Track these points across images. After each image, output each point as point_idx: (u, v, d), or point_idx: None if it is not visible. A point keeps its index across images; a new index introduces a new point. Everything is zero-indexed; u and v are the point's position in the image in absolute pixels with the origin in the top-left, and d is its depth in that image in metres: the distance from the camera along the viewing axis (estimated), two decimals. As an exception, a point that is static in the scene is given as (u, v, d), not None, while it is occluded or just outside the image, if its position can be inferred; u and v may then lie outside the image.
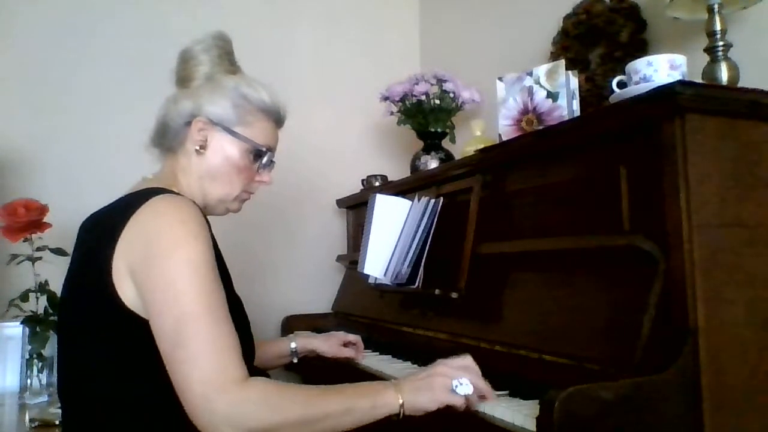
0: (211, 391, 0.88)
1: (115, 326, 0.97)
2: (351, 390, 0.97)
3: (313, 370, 1.84)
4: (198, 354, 0.89)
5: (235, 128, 1.13)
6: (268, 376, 1.13)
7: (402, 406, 0.95)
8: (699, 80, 1.25)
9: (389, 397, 0.96)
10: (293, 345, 1.50)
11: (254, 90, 1.15)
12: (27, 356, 1.72)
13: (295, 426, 0.91)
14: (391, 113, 2.10)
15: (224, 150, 1.13)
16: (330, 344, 1.52)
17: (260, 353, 1.33)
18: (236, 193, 1.17)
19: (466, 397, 0.99)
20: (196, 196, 1.13)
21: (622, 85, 1.28)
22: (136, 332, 0.95)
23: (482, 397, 1.02)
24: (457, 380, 0.98)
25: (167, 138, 1.15)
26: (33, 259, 1.73)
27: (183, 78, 1.17)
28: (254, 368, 1.10)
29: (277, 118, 1.20)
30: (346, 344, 1.55)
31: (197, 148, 1.12)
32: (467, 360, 1.04)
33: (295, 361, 1.52)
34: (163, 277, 0.93)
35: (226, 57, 1.18)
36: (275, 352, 1.49)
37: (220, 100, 1.13)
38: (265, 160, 1.18)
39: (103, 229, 1.02)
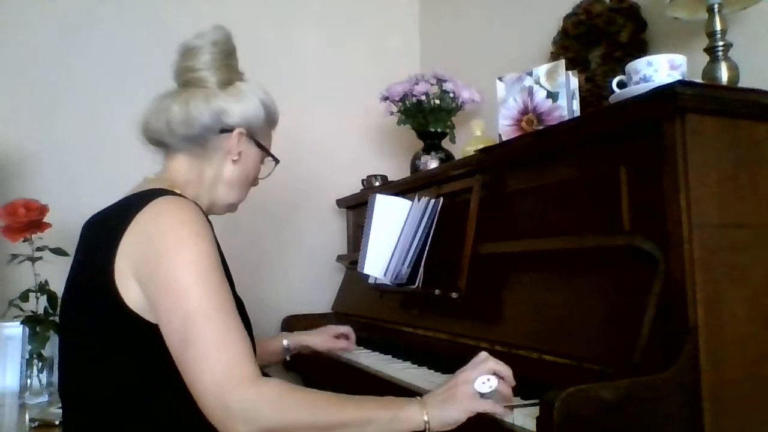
0: (224, 389, 0.87)
1: (117, 327, 0.97)
2: (371, 401, 0.94)
3: (314, 371, 1.85)
4: (208, 352, 0.89)
5: (259, 139, 1.19)
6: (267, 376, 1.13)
7: (428, 423, 0.91)
8: (699, 80, 1.25)
9: (412, 412, 0.92)
10: (285, 342, 1.52)
11: (270, 99, 1.21)
12: (27, 356, 1.72)
13: (311, 429, 0.89)
14: (391, 113, 2.10)
15: (251, 160, 1.19)
16: (322, 338, 1.55)
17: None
18: (245, 196, 1.23)
19: (495, 394, 0.94)
20: (201, 197, 1.14)
21: (622, 85, 1.28)
22: (138, 333, 0.95)
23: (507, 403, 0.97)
24: (480, 379, 0.93)
25: (188, 138, 1.12)
26: (33, 259, 1.73)
27: (193, 79, 1.14)
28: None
29: (275, 123, 1.24)
30: (338, 336, 1.57)
31: (235, 158, 1.15)
32: (482, 355, 0.99)
33: (288, 358, 1.54)
34: (168, 277, 0.93)
35: (234, 57, 1.20)
36: (268, 349, 1.50)
37: (254, 110, 1.16)
38: (273, 167, 1.25)
39: (105, 230, 1.02)
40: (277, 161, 1.26)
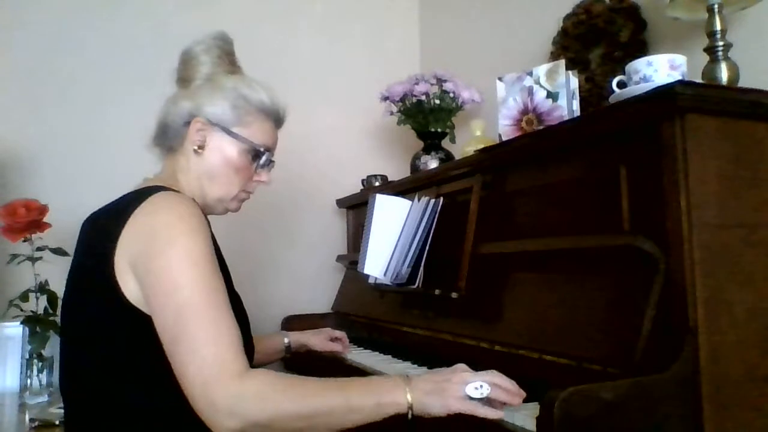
0: (211, 385, 0.88)
1: (118, 323, 0.98)
2: (357, 386, 0.94)
3: (314, 370, 1.85)
4: (198, 347, 0.90)
5: (233, 128, 1.14)
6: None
7: (411, 407, 0.92)
8: (699, 80, 1.25)
9: (397, 396, 0.92)
10: (286, 340, 1.55)
11: (253, 90, 1.16)
12: (27, 356, 1.72)
13: (297, 419, 0.90)
14: (391, 113, 2.10)
15: (222, 150, 1.14)
16: (320, 338, 1.58)
17: (256, 349, 1.34)
18: (235, 192, 1.18)
19: (486, 401, 0.93)
20: (195, 195, 1.14)
21: (622, 85, 1.28)
22: (139, 329, 0.95)
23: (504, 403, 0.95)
24: (473, 384, 0.92)
25: (167, 138, 1.16)
26: (33, 259, 1.73)
27: (183, 78, 1.18)
28: (254, 368, 1.10)
29: (276, 119, 1.20)
30: (333, 339, 1.60)
31: (195, 148, 1.13)
32: (492, 371, 0.98)
33: (288, 355, 1.56)
34: (162, 271, 0.93)
35: (226, 57, 1.19)
36: (271, 347, 1.53)
37: (219, 100, 1.13)
38: (263, 160, 1.18)
39: (104, 227, 1.02)
40: (258, 151, 1.16)
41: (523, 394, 0.95)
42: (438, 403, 0.92)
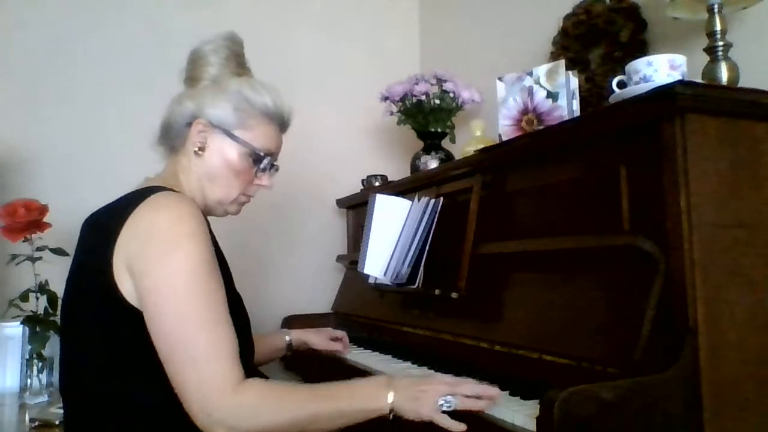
0: (206, 396, 0.90)
1: (117, 323, 0.98)
2: (344, 393, 1.00)
3: (314, 371, 1.85)
4: (195, 359, 0.91)
5: (234, 131, 1.13)
6: (266, 377, 1.14)
7: (392, 411, 0.98)
8: (699, 80, 1.25)
9: (381, 401, 0.98)
10: (287, 338, 1.56)
11: (257, 93, 1.15)
12: (27, 356, 1.72)
13: (288, 428, 0.94)
14: (391, 113, 2.10)
15: (223, 153, 1.13)
16: (321, 338, 1.60)
17: (257, 347, 1.34)
18: (234, 195, 1.17)
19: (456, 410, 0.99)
20: (196, 196, 1.14)
21: (622, 85, 1.27)
22: (138, 329, 0.95)
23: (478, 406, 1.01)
24: (444, 398, 0.98)
25: (170, 137, 1.16)
26: (33, 259, 1.73)
27: (191, 78, 1.18)
28: (253, 367, 1.10)
29: (280, 123, 1.19)
30: (334, 339, 1.62)
31: (196, 149, 1.13)
32: (470, 381, 1.04)
33: (289, 353, 1.58)
34: (160, 278, 0.93)
35: (234, 59, 1.19)
36: (272, 345, 1.54)
37: (222, 102, 1.13)
38: (264, 164, 1.17)
39: (103, 227, 1.02)
40: (259, 155, 1.15)
41: (494, 396, 1.00)
42: (412, 409, 0.98)
